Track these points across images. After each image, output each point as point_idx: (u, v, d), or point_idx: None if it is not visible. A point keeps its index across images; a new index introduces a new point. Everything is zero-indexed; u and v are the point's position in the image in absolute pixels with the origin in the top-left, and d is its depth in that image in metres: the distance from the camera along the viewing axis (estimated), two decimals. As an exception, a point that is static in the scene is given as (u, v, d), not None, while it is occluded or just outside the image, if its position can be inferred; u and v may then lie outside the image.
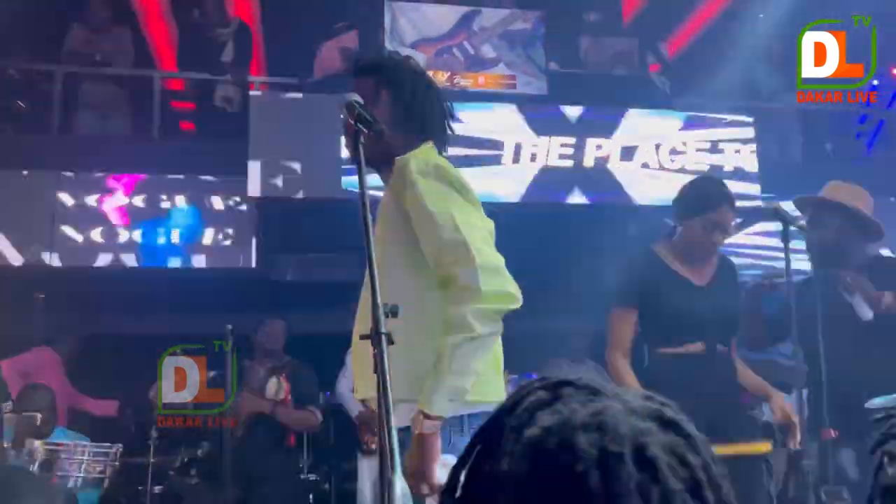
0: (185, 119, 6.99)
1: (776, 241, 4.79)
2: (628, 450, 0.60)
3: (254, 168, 5.60)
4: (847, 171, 5.61)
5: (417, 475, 1.65)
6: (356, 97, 1.71)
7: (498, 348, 1.84)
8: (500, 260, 1.77)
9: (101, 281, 5.76)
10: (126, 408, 5.18)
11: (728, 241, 2.84)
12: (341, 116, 1.72)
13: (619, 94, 6.17)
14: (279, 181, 5.63)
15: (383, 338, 1.35)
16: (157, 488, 4.64)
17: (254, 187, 5.62)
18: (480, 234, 1.77)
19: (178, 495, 4.49)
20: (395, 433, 1.29)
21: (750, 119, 6.21)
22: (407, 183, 1.81)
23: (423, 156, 1.91)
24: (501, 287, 1.72)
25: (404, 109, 1.95)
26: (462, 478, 0.66)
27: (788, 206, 3.06)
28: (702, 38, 7.26)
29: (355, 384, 1.95)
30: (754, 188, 5.96)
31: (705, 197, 2.68)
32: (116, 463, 4.07)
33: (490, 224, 1.86)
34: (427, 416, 1.65)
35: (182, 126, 6.95)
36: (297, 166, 5.65)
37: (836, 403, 2.75)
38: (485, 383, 1.77)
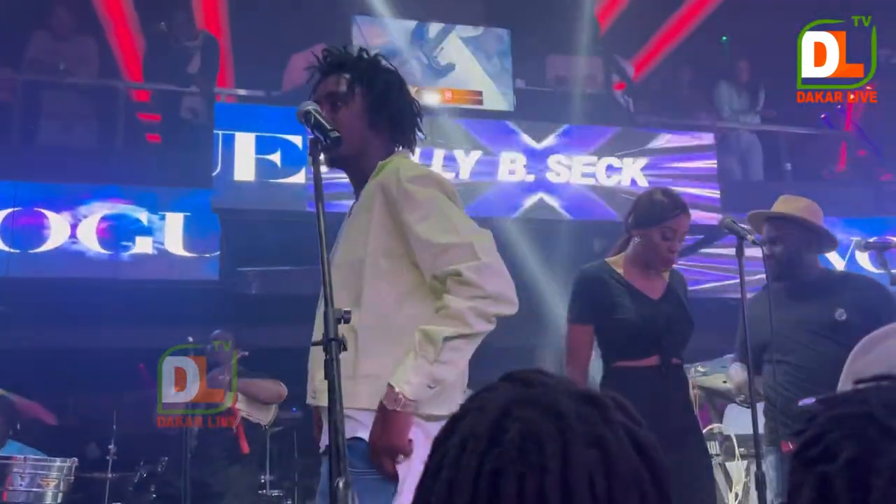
0: (150, 130, 6.93)
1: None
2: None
3: (219, 180, 5.57)
4: (805, 189, 5.74)
5: (384, 452, 1.63)
6: (312, 105, 1.70)
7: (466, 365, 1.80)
8: (503, 265, 1.75)
9: (63, 292, 5.65)
10: (86, 422, 5.08)
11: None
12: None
13: (583, 112, 6.24)
14: (244, 194, 5.60)
15: (334, 344, 1.35)
16: (114, 505, 4.54)
17: (219, 200, 5.58)
18: (484, 239, 1.77)
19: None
20: (343, 436, 1.30)
21: (712, 138, 6.31)
22: (400, 191, 1.78)
23: (408, 164, 1.89)
24: (504, 290, 1.71)
25: (378, 107, 1.90)
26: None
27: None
28: (666, 58, 7.38)
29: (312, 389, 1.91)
30: (715, 208, 6.03)
31: (662, 205, 2.71)
32: (72, 478, 3.96)
33: (489, 232, 1.83)
34: (404, 397, 1.62)
35: (148, 137, 6.89)
36: (262, 179, 5.62)
37: (793, 416, 2.78)
38: (452, 396, 1.73)
